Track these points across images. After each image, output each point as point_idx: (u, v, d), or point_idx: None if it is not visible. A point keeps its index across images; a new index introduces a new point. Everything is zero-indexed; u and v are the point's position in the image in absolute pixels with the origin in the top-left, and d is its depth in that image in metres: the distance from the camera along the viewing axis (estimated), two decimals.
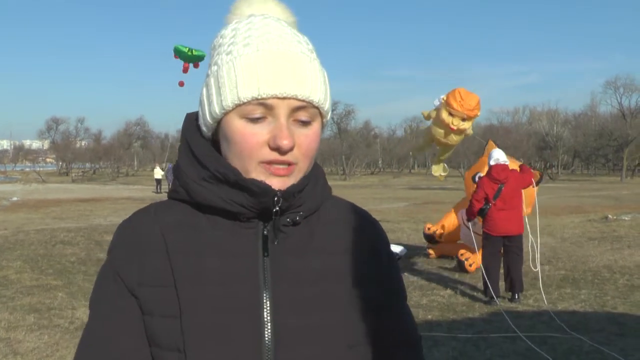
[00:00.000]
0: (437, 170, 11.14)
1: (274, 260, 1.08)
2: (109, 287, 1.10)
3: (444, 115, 9.50)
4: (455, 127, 9.48)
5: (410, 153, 13.16)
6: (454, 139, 9.86)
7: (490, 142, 10.52)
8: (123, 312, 1.07)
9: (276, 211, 1.05)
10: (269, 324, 1.04)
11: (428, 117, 10.27)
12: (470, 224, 8.46)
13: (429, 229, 10.72)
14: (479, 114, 9.66)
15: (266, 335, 1.04)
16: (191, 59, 6.27)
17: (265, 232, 1.09)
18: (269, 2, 1.15)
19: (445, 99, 9.54)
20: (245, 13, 1.12)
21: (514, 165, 9.45)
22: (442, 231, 10.62)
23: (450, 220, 10.72)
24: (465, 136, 10.02)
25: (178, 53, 6.37)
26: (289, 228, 1.10)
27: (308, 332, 1.06)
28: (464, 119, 9.44)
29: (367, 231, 1.22)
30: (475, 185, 9.14)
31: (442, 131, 9.79)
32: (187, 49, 6.36)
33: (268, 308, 1.05)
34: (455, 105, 9.34)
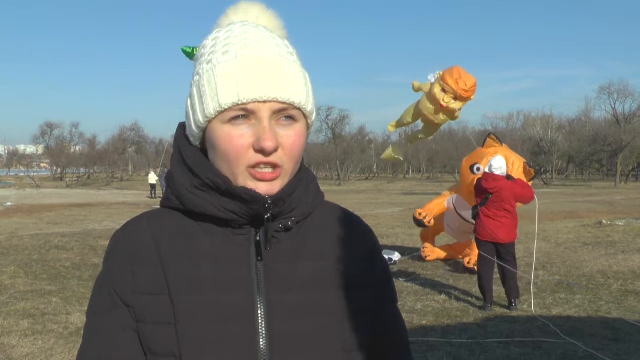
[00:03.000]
0: (388, 154, 10.75)
1: (267, 267, 1.09)
2: (103, 300, 1.11)
3: (437, 90, 9.21)
4: (445, 105, 9.18)
5: (389, 128, 12.25)
6: (441, 118, 9.55)
7: (491, 138, 9.92)
8: (118, 324, 1.08)
9: (267, 217, 1.07)
10: (264, 331, 1.05)
11: (418, 89, 9.92)
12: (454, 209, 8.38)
13: (420, 214, 10.42)
14: (472, 97, 9.35)
15: (261, 342, 1.05)
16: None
17: (257, 239, 1.10)
18: (256, 10, 1.16)
19: (441, 74, 9.26)
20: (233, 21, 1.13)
21: (518, 161, 9.20)
22: (432, 217, 10.45)
23: (440, 207, 10.51)
24: (453, 119, 9.73)
25: (185, 54, 6.70)
26: (281, 234, 1.11)
27: (302, 339, 1.07)
28: (455, 98, 9.15)
29: (360, 237, 1.23)
30: (472, 177, 9.08)
31: (431, 107, 9.49)
32: (191, 49, 6.67)
33: (262, 314, 1.06)
34: (450, 82, 9.04)
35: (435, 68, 9.59)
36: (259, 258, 1.09)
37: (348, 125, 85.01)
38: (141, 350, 1.08)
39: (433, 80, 9.44)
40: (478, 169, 9.40)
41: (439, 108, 9.33)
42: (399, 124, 10.92)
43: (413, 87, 10.10)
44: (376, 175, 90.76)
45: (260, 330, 1.05)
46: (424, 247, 10.90)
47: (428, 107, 9.56)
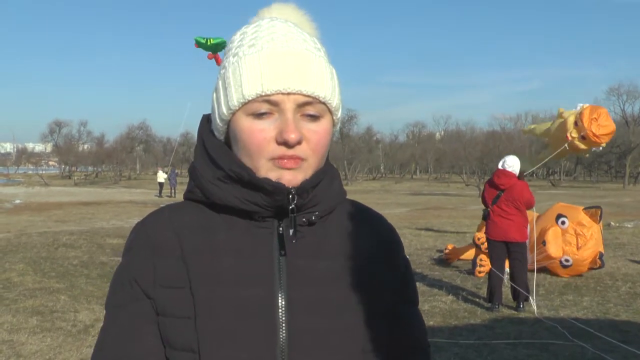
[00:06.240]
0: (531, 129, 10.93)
1: (289, 261, 1.07)
2: (125, 291, 1.10)
3: (570, 120, 8.86)
4: (569, 138, 8.75)
5: (522, 130, 12.22)
6: (559, 145, 9.12)
7: (599, 212, 9.95)
8: (139, 316, 1.08)
9: (292, 209, 1.05)
10: (284, 326, 1.04)
11: (560, 116, 9.54)
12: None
13: None
14: (603, 144, 8.88)
15: (281, 337, 1.04)
16: (210, 48, 6.62)
17: (280, 231, 1.08)
18: (289, 10, 1.17)
19: (583, 107, 8.88)
20: None
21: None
22: None
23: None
24: (579, 153, 9.40)
25: (198, 45, 6.74)
26: (304, 228, 1.10)
27: (322, 335, 1.06)
28: (583, 137, 8.66)
29: (383, 236, 1.22)
30: (556, 227, 9.36)
31: (559, 132, 9.18)
32: (205, 39, 6.75)
33: (283, 309, 1.05)
34: (584, 119, 8.61)
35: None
36: (283, 252, 1.07)
37: (356, 125, 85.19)
38: (161, 344, 1.07)
39: (578, 109, 9.05)
40: (563, 222, 9.46)
41: (564, 138, 8.93)
42: (530, 131, 10.94)
43: (559, 112, 9.75)
44: (383, 175, 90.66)
45: (281, 325, 1.04)
46: (480, 260, 9.76)
47: (557, 130, 9.28)
